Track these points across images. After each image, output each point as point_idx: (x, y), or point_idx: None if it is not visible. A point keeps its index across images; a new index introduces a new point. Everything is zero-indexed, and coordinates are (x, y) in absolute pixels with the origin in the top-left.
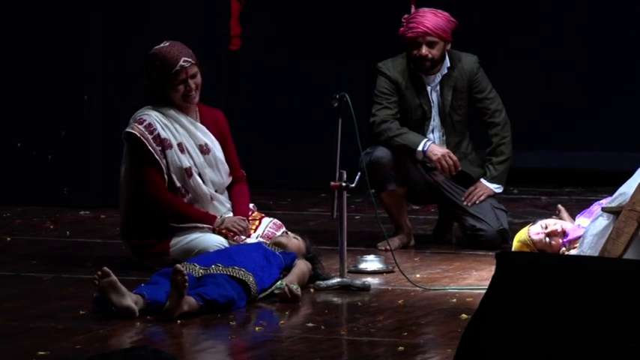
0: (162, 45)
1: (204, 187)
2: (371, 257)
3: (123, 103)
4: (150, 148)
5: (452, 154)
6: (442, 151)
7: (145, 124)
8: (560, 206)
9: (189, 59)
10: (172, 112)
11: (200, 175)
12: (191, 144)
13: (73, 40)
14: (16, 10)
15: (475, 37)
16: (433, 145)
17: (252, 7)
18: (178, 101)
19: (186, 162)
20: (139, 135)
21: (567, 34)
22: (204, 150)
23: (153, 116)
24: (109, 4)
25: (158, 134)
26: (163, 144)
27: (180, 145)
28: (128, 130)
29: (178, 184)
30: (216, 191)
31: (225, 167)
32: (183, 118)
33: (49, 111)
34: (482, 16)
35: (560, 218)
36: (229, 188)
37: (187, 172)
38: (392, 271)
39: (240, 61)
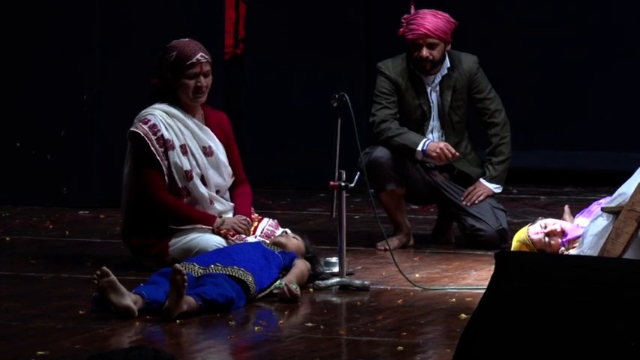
0: (181, 39)
1: (204, 189)
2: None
3: (123, 103)
4: (152, 149)
5: (449, 146)
6: (440, 144)
7: (149, 124)
8: (566, 207)
9: (206, 56)
10: (178, 113)
11: (203, 177)
12: (195, 145)
13: (72, 41)
14: (16, 10)
15: (475, 37)
16: (431, 142)
17: (253, 7)
18: (185, 99)
19: (187, 164)
20: (142, 135)
21: (567, 34)
22: (207, 152)
23: (158, 116)
24: (109, 5)
25: (162, 135)
26: (166, 145)
27: (182, 146)
28: (132, 129)
29: (179, 186)
30: (217, 192)
31: (228, 170)
32: (188, 120)
33: (49, 111)
34: (483, 16)
35: (562, 219)
36: (231, 189)
37: (187, 175)
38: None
39: (240, 62)
